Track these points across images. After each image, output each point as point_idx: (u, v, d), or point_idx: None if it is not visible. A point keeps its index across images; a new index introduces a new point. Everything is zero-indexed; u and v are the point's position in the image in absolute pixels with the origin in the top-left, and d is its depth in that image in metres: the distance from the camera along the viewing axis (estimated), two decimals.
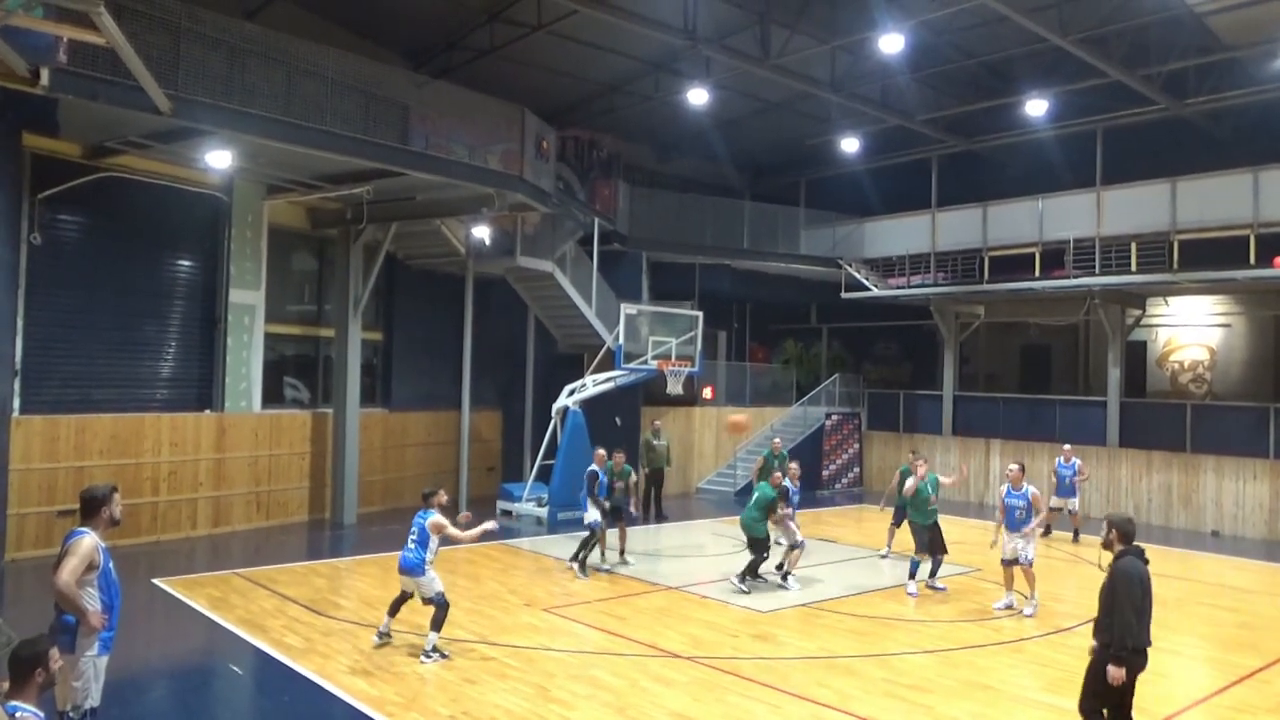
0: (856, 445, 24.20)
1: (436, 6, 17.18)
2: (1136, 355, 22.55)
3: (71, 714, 5.56)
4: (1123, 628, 5.95)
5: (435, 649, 8.78)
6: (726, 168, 25.81)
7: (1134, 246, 18.75)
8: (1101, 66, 16.59)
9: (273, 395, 16.65)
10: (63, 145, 13.24)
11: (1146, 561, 6.27)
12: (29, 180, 13.06)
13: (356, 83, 13.70)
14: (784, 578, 12.43)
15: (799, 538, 12.52)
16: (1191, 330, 22.40)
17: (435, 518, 8.95)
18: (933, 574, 12.33)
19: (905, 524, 13.08)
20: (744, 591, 11.67)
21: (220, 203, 15.55)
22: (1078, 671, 8.77)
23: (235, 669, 8.96)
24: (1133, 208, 18.96)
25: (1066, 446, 16.31)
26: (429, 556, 8.91)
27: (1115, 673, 5.95)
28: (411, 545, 8.95)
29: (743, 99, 21.15)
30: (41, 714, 4.35)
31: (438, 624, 8.83)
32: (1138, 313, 21.24)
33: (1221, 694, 8.47)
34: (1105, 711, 6.26)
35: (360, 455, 16.98)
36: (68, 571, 5.43)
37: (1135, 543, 6.32)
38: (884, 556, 14.51)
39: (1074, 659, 9.22)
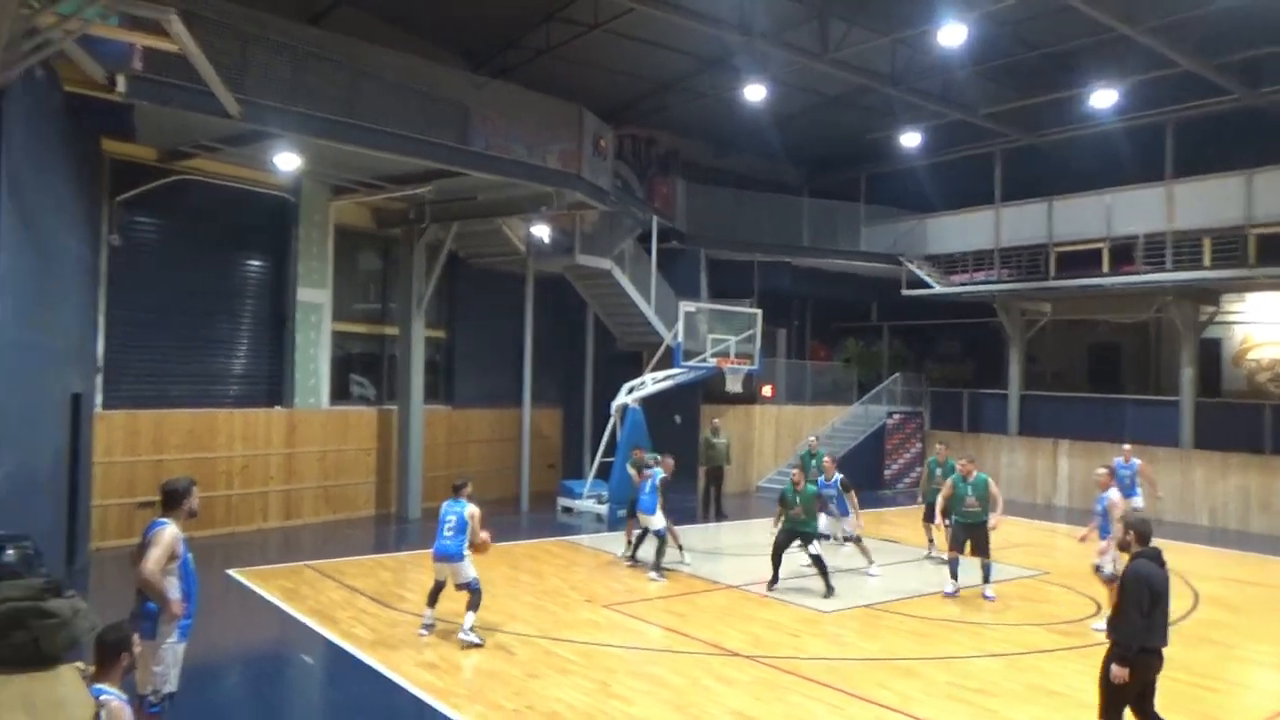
0: (919, 445, 23.85)
1: (494, 7, 17.37)
2: (1211, 353, 21.81)
3: (151, 698, 5.76)
4: (1127, 629, 6.02)
5: (472, 629, 9.15)
6: (784, 164, 25.64)
7: (1207, 241, 18.13)
8: (1172, 56, 16.09)
9: (340, 392, 17.02)
10: (139, 149, 13.70)
11: (1164, 564, 6.24)
12: (108, 184, 13.55)
13: (417, 84, 13.92)
14: (868, 565, 12.92)
15: (848, 530, 13.03)
16: (1270, 327, 21.57)
17: (473, 508, 9.37)
18: (985, 579, 11.85)
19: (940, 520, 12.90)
20: (831, 591, 11.53)
21: (288, 203, 15.94)
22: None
23: (306, 658, 9.19)
24: (1206, 201, 18.34)
25: (1126, 446, 15.63)
26: (467, 544, 9.25)
27: (1117, 671, 6.05)
28: (449, 534, 9.26)
29: (800, 94, 20.98)
30: (125, 696, 4.52)
31: (475, 605, 9.24)
32: (1212, 309, 20.54)
33: None
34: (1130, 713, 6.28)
35: (424, 451, 17.25)
36: (153, 561, 5.62)
37: (1153, 545, 6.33)
38: (928, 556, 14.29)
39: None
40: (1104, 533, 10.25)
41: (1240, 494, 18.47)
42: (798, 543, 11.76)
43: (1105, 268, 19.64)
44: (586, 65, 19.16)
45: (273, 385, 15.84)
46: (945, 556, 12.26)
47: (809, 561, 11.66)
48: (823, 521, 12.70)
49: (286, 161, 13.67)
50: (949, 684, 8.40)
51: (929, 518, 14.06)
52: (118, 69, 10.28)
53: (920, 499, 15.09)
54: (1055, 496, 21.38)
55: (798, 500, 11.63)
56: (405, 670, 8.34)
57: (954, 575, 11.88)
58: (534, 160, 15.24)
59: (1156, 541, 6.37)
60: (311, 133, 12.55)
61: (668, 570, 12.58)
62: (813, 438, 16.70)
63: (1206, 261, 18.10)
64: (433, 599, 9.51)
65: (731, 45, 17.82)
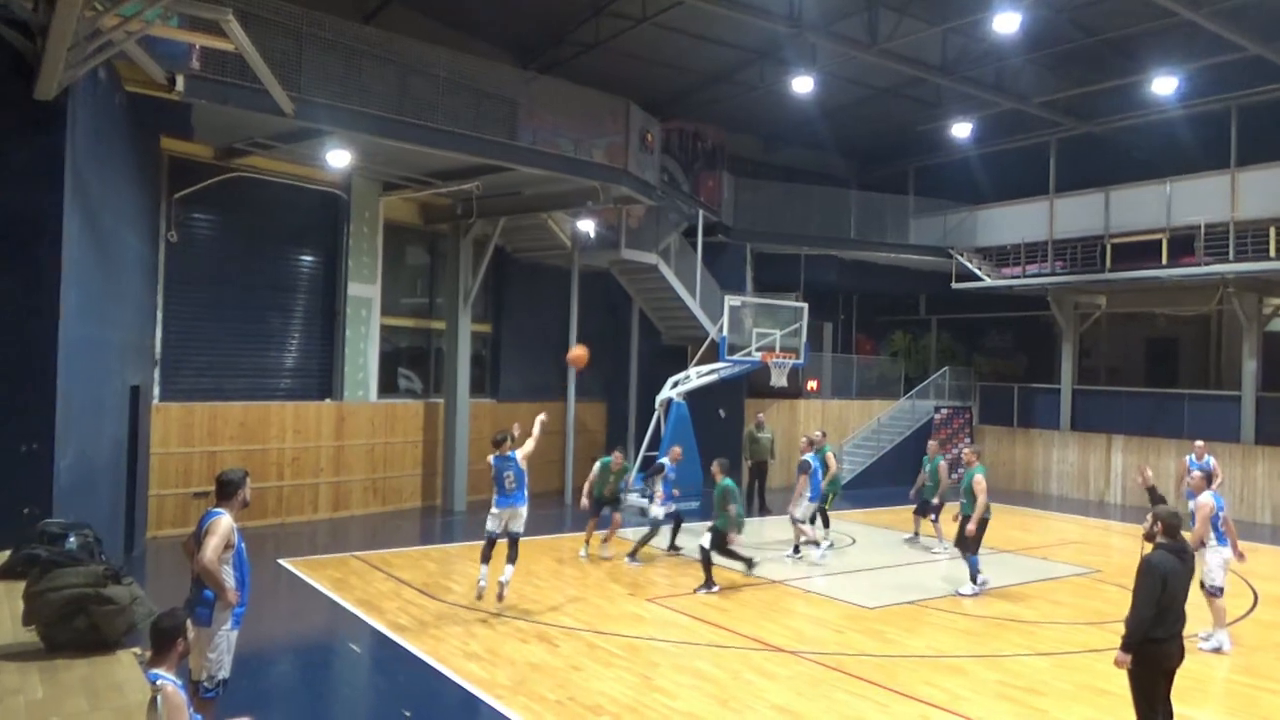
0: (968, 440, 23.49)
1: (543, 3, 17.43)
2: (1274, 346, 21.13)
3: (206, 684, 5.90)
4: (1134, 619, 6.07)
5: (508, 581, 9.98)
6: (832, 156, 25.37)
7: (1273, 231, 17.56)
8: (1237, 40, 15.60)
9: (388, 385, 17.26)
10: (196, 147, 14.02)
11: (1187, 557, 6.31)
12: (166, 181, 13.89)
13: (466, 80, 14.02)
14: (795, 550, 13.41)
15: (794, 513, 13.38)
16: None
17: (522, 452, 9.99)
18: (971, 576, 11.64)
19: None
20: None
21: (339, 200, 16.19)
22: (1205, 679, 8.40)
23: (354, 647, 9.36)
24: (1271, 189, 17.74)
25: (1199, 442, 14.95)
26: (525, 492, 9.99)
27: (1119, 658, 6.17)
28: (511, 486, 9.92)
29: (849, 86, 20.74)
30: (180, 682, 4.64)
31: (514, 558, 10.02)
32: (1276, 301, 19.91)
33: None
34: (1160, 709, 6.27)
35: (470, 444, 17.41)
36: (211, 549, 5.76)
37: (1179, 538, 6.35)
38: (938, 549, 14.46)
39: (1200, 666, 8.79)
40: (1219, 540, 9.52)
41: None
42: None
43: (1164, 259, 19.12)
44: (634, 59, 19.14)
45: (323, 378, 16.12)
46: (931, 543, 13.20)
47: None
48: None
49: (338, 158, 13.88)
50: (997, 682, 8.29)
51: (922, 511, 14.71)
52: (177, 69, 10.51)
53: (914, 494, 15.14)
54: (1108, 494, 20.92)
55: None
56: (450, 660, 8.45)
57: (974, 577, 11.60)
58: (580, 155, 15.28)
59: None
60: (363, 129, 12.71)
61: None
62: (817, 433, 16.30)
63: (1271, 252, 17.52)
64: (486, 556, 10.06)
65: (780, 37, 17.67)
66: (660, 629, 9.74)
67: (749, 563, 11.97)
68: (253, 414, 14.81)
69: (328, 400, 15.99)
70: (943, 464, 14.51)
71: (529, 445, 10.04)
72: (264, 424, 14.93)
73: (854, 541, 14.96)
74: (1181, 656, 6.27)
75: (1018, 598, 11.55)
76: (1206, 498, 9.53)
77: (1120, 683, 8.32)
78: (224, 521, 5.90)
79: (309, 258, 16.10)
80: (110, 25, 7.37)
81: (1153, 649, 6.11)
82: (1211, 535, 9.43)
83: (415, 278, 18.44)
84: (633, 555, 12.96)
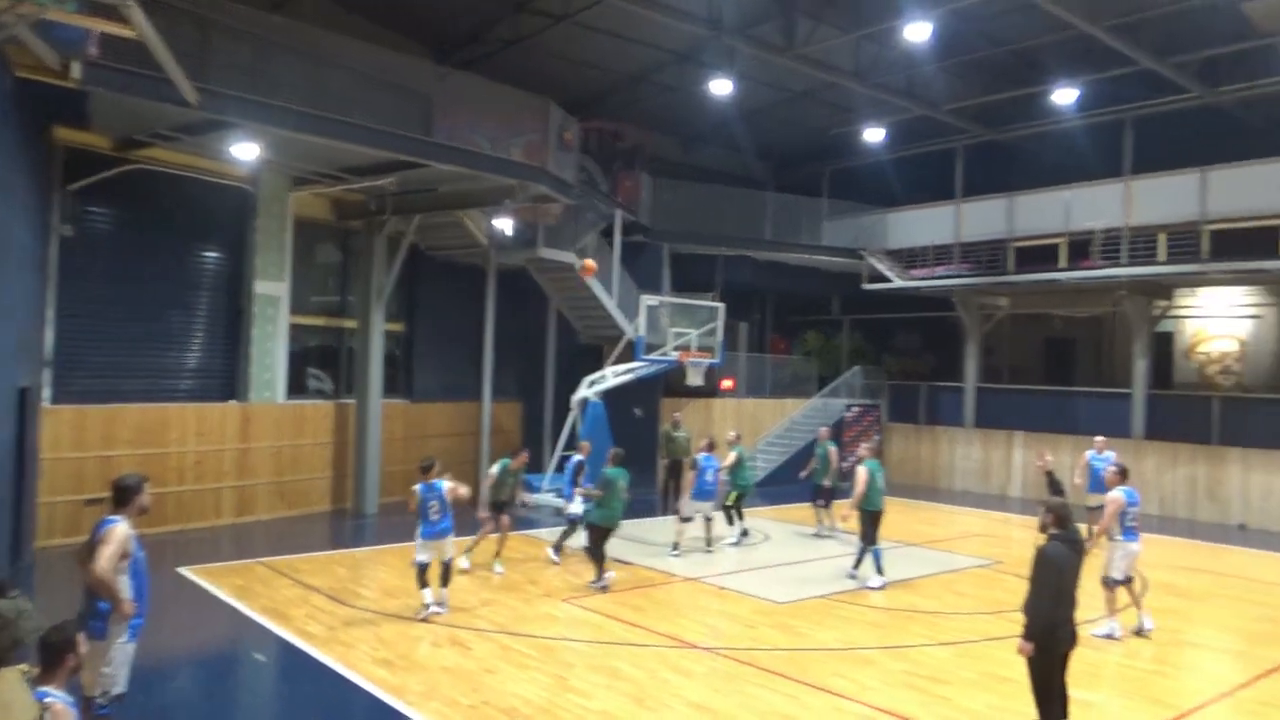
0: (877, 437, 24.08)
1: None
2: (1163, 347, 22.27)
3: (100, 700, 5.66)
4: (1033, 608, 6.31)
5: (445, 601, 9.94)
6: (750, 158, 25.72)
7: (1162, 237, 18.49)
8: (1132, 54, 16.36)
9: (296, 386, 16.81)
10: (93, 138, 13.40)
11: (1079, 547, 6.56)
12: (60, 172, 13.24)
13: (381, 75, 13.76)
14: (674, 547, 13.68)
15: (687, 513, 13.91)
16: (1220, 322, 22.09)
17: (449, 482, 9.94)
18: (855, 564, 12.11)
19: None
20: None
21: (246, 195, 15.69)
22: (1100, 664, 8.77)
23: (259, 657, 9.09)
24: (1162, 197, 18.69)
25: (1099, 438, 15.22)
26: (452, 521, 9.95)
27: (1022, 646, 6.41)
28: (436, 515, 9.83)
29: (767, 89, 21.05)
30: (70, 699, 4.43)
31: (446, 581, 10.03)
32: (1165, 304, 20.96)
33: (1247, 687, 8.39)
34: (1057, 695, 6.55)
35: (382, 446, 17.10)
36: (105, 559, 5.51)
37: (1069, 528, 6.62)
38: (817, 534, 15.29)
39: (1098, 653, 9.18)
40: (1126, 534, 9.78)
41: (1189, 483, 18.90)
42: None
43: (1063, 262, 19.95)
44: (554, 58, 19.06)
45: (227, 379, 15.60)
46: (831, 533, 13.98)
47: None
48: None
49: (246, 152, 13.44)
50: (903, 672, 8.51)
51: (814, 497, 15.60)
52: (72, 55, 10.02)
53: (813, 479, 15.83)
54: (1009, 487, 21.72)
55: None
56: (361, 667, 8.27)
57: (880, 570, 11.90)
58: (498, 153, 15.14)
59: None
60: (272, 123, 12.32)
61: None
62: (732, 433, 16.67)
63: (1161, 256, 18.47)
64: (423, 583, 9.90)
65: (699, 40, 17.84)
66: (575, 629, 9.72)
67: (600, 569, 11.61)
68: (151, 416, 14.24)
69: (232, 401, 15.48)
70: (832, 449, 15.47)
71: (459, 489, 10.03)
72: (163, 426, 14.37)
73: (767, 538, 15.18)
74: (1074, 642, 6.55)
75: (923, 590, 11.89)
76: (1116, 493, 9.78)
77: (1020, 669, 8.64)
78: (120, 529, 5.66)
79: (214, 254, 15.57)
80: (1, 8, 6.99)
81: (1049, 636, 6.35)
82: (1118, 529, 9.73)
83: (326, 275, 18.00)
84: (556, 549, 13.00)
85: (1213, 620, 10.90)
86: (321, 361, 17.71)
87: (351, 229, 17.54)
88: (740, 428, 22.71)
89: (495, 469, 12.83)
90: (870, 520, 11.91)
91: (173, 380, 14.88)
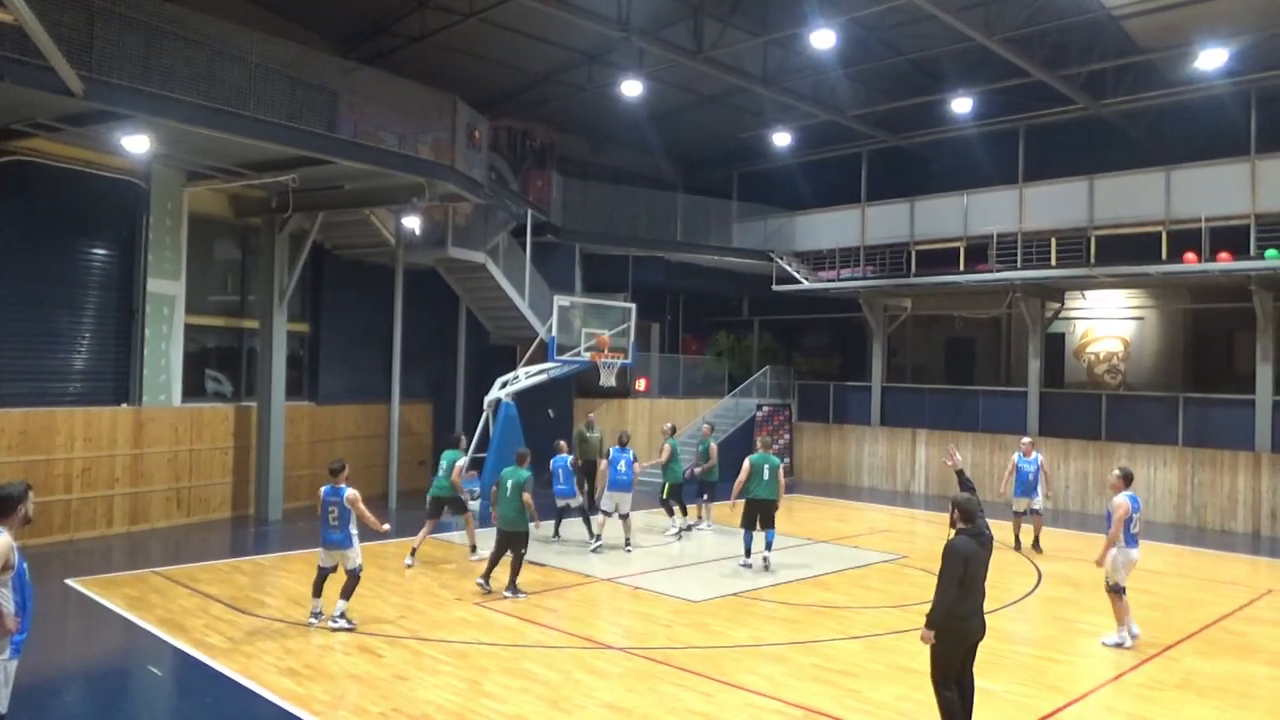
0: (787, 436, 24.51)
1: None
2: (1055, 347, 23.30)
3: None
4: (938, 598, 6.48)
5: (344, 615, 9.43)
6: (660, 160, 25.87)
7: (1054, 242, 19.34)
8: (1024, 66, 17.05)
9: (194, 388, 16.16)
10: None
11: (986, 540, 6.69)
12: None
13: (281, 67, 13.33)
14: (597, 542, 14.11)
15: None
16: (1107, 323, 23.24)
17: (352, 492, 9.46)
18: (768, 547, 12.87)
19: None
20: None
21: (137, 189, 15.00)
22: (1001, 653, 9.07)
23: (154, 670, 8.69)
24: (1053, 204, 19.55)
25: (1025, 440, 15.16)
26: (354, 530, 9.47)
27: (924, 634, 6.59)
28: (334, 522, 9.44)
29: (676, 91, 21.20)
30: None
31: (349, 593, 9.50)
32: (1056, 306, 21.92)
33: (1133, 671, 8.80)
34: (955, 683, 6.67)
35: (286, 449, 16.60)
36: None
37: (978, 522, 6.76)
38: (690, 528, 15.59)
39: (998, 641, 9.49)
40: (1129, 541, 9.65)
41: (1080, 477, 19.78)
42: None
43: (961, 265, 20.67)
44: (462, 54, 18.81)
45: (119, 382, 14.88)
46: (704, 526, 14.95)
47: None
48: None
49: (136, 144, 12.84)
50: (814, 667, 8.66)
51: (701, 494, 15.91)
52: None
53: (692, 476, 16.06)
54: (914, 484, 22.36)
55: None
56: (264, 678, 7.98)
57: (746, 551, 12.80)
58: (405, 150, 14.85)
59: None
60: (164, 115, 11.80)
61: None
62: (668, 424, 16.87)
63: (1053, 260, 19.30)
64: (318, 589, 9.61)
65: (609, 40, 17.86)
66: (488, 633, 9.59)
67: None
68: (35, 421, 13.48)
69: (124, 405, 14.78)
70: (712, 445, 15.87)
71: (360, 502, 9.49)
72: (49, 432, 13.62)
73: (681, 537, 15.26)
74: (983, 633, 6.70)
75: (832, 585, 12.13)
76: (1122, 499, 9.53)
77: (926, 660, 8.90)
78: (2, 540, 5.33)
79: (102, 251, 14.83)
80: None
81: (955, 625, 6.51)
82: (1122, 536, 9.50)
83: (225, 274, 17.36)
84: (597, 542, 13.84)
85: (1104, 609, 11.37)
86: (221, 363, 17.07)
87: (251, 226, 16.95)
88: (653, 428, 22.86)
89: (462, 461, 13.33)
90: (749, 508, 12.72)
91: (59, 383, 14.12)
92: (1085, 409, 20.16)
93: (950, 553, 6.55)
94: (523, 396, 17.54)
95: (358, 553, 9.55)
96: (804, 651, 9.16)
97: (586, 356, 17.18)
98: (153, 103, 11.58)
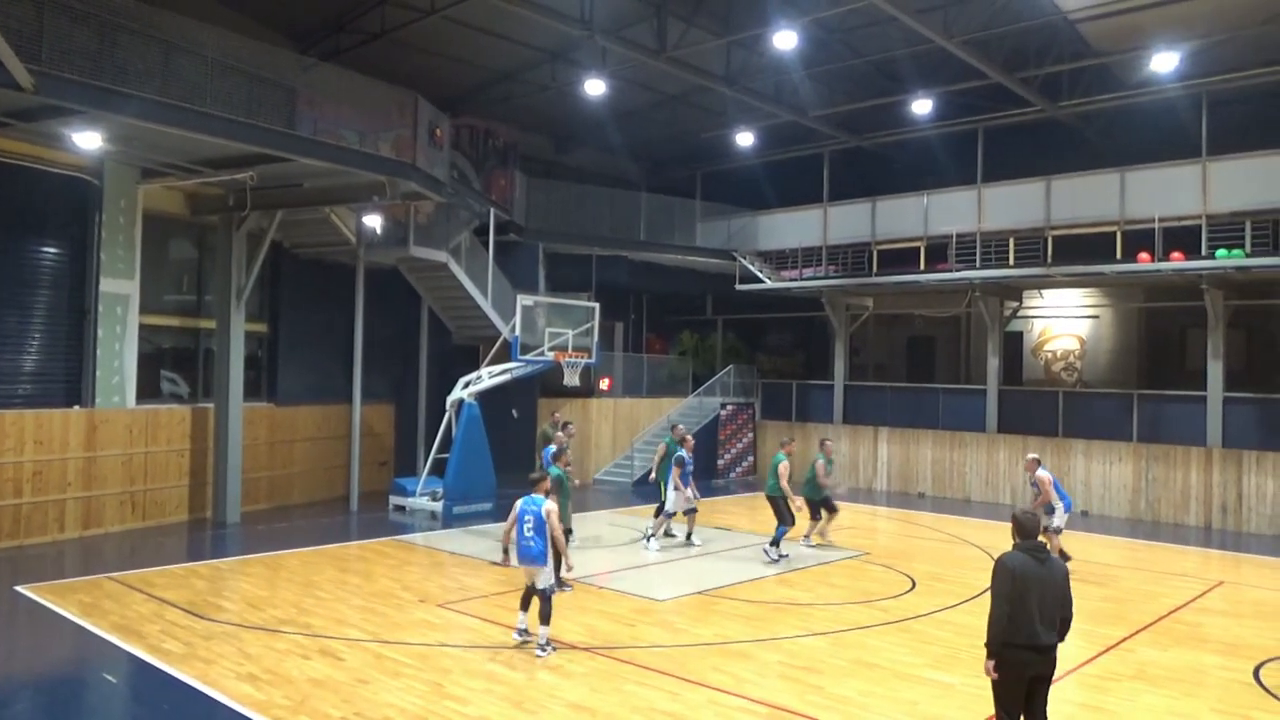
0: (750, 435, 24.63)
1: None
2: (1014, 345, 23.64)
3: None
4: (991, 623, 5.83)
5: (549, 641, 8.88)
6: (624, 160, 25.84)
7: (1012, 241, 19.63)
8: (983, 68, 17.26)
9: (149, 390, 15.84)
10: None
11: (1040, 557, 5.90)
12: None
13: (239, 63, 13.12)
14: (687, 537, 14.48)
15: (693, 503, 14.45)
16: (1063, 321, 23.63)
17: (550, 504, 9.03)
18: (773, 543, 13.40)
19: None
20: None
21: (90, 186, 14.68)
22: (961, 648, 9.18)
23: (109, 678, 8.50)
24: (1011, 204, 19.85)
25: (1031, 455, 13.61)
26: (547, 546, 8.89)
27: (985, 665, 5.92)
28: (530, 534, 8.86)
29: (640, 91, 21.20)
30: None
31: (547, 618, 8.87)
32: (1015, 304, 22.25)
33: (1090, 663, 8.95)
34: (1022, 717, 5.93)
35: (244, 451, 16.35)
36: None
37: (1032, 539, 6.02)
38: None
39: (957, 636, 9.62)
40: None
41: None
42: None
43: (922, 265, 20.89)
44: (423, 52, 18.64)
45: (71, 383, 14.56)
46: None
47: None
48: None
49: (87, 141, 12.60)
50: (779, 663, 8.70)
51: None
52: None
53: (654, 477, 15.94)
54: (876, 481, 22.57)
55: None
56: (222, 684, 7.84)
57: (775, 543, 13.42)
58: (366, 148, 14.68)
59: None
60: (117, 110, 11.56)
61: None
62: (680, 425, 16.51)
63: (1011, 260, 19.58)
64: (525, 603, 9.14)
65: (572, 39, 17.78)
66: (451, 634, 9.51)
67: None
68: None
69: (76, 407, 14.46)
70: (661, 446, 15.67)
71: (555, 516, 8.98)
72: None
73: (646, 537, 15.24)
74: (1046, 667, 5.89)
75: (795, 582, 12.21)
76: (1043, 473, 10.47)
77: (888, 656, 9.01)
78: None
79: (53, 250, 14.49)
80: None
81: (1010, 654, 5.78)
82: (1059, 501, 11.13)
83: (181, 273, 17.06)
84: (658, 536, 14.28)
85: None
86: (176, 364, 16.76)
87: (208, 224, 16.67)
88: (617, 427, 22.87)
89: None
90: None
91: (8, 385, 13.77)
92: (1043, 406, 20.48)
93: (998, 568, 5.84)
94: (486, 397, 17.44)
95: (550, 572, 8.94)
96: (768, 648, 9.20)
97: (550, 356, 17.13)
98: (106, 98, 11.35)
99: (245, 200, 15.45)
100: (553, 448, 13.87)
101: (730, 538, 15.32)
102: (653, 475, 15.51)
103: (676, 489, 14.21)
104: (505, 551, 9.48)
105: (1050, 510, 12.55)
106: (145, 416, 15.43)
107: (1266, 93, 18.33)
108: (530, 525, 8.89)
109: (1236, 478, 17.58)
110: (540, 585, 8.89)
